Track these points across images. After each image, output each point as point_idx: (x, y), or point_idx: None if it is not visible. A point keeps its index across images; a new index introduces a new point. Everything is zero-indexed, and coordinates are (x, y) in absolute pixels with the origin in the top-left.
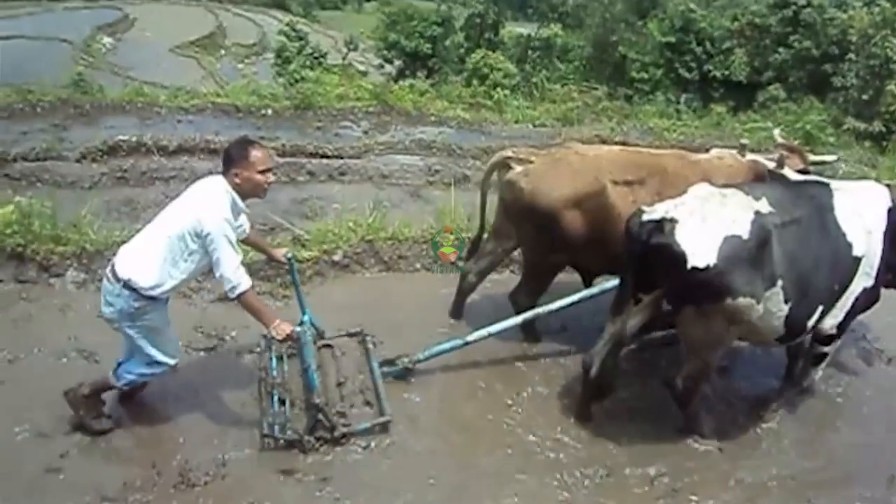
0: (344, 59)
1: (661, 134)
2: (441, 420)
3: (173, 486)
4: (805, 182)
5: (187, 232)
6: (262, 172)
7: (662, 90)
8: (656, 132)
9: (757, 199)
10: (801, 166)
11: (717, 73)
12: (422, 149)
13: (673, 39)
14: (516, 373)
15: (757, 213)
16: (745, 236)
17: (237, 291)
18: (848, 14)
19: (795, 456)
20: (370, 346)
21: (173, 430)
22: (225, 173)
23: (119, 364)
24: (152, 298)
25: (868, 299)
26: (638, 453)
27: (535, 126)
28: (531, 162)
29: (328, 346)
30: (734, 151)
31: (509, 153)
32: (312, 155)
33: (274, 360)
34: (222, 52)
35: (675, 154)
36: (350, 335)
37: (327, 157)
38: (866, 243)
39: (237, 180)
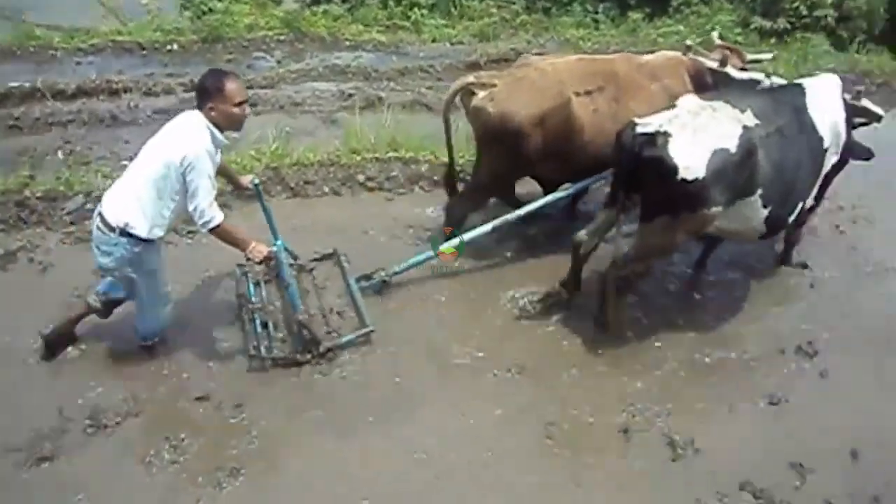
0: None
1: (576, 44)
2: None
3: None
4: (783, 87)
5: (169, 166)
6: (238, 105)
7: (580, 1)
8: (572, 43)
9: (743, 111)
10: (740, 65)
11: None
12: (336, 74)
13: None
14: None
15: (745, 127)
16: (733, 150)
17: (211, 225)
18: None
19: None
20: (345, 264)
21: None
22: (200, 107)
23: (136, 327)
24: (149, 241)
25: (836, 173)
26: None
27: (452, 44)
28: (494, 85)
29: (302, 268)
30: (678, 52)
31: (471, 79)
32: None
33: (251, 286)
34: None
35: (624, 58)
36: (323, 257)
37: None
38: (833, 132)
39: (213, 114)
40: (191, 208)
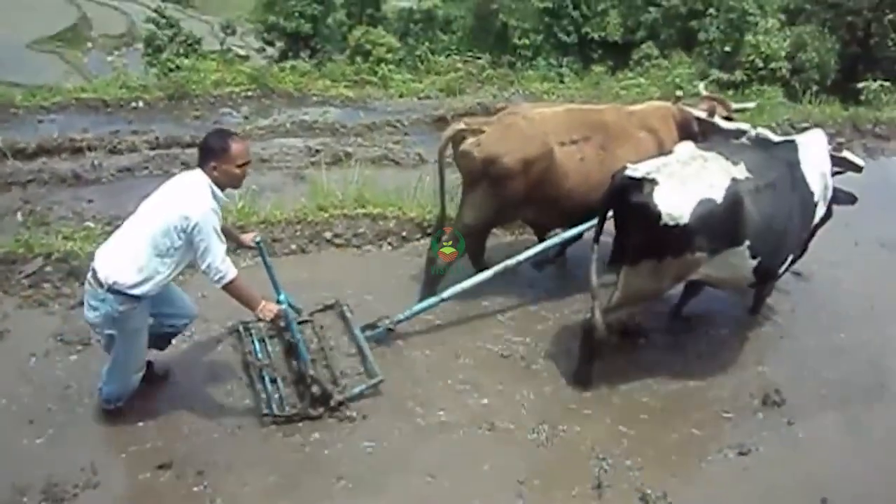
0: (222, 44)
1: (541, 97)
2: None
3: None
4: (777, 143)
5: (172, 227)
6: (240, 166)
7: (544, 55)
8: (537, 96)
9: (735, 164)
10: (725, 114)
11: (595, 35)
12: (304, 130)
13: (551, 5)
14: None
15: (734, 179)
16: (719, 200)
17: (225, 280)
18: None
19: None
20: (348, 315)
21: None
22: (203, 166)
23: (100, 389)
24: (137, 298)
25: (822, 224)
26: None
27: (419, 98)
28: (483, 132)
29: (307, 321)
30: (667, 102)
31: (461, 125)
32: (189, 145)
33: (256, 343)
34: (89, 44)
35: (614, 108)
36: (326, 308)
37: None
38: (822, 185)
39: (216, 173)
40: (203, 266)
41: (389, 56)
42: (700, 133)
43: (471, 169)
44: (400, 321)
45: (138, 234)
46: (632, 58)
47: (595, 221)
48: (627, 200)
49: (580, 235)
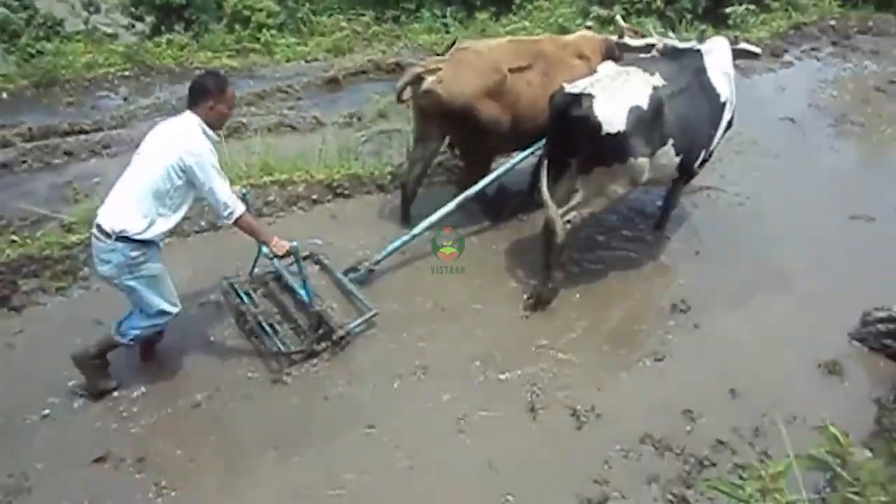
0: (86, 23)
1: (430, 49)
2: None
3: None
4: (684, 52)
5: (171, 168)
6: (230, 108)
7: (427, 6)
8: (426, 48)
9: (652, 74)
10: (640, 40)
11: None
12: None
13: None
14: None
15: (654, 87)
16: (645, 107)
17: (235, 215)
18: None
19: None
20: (326, 262)
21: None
22: (195, 106)
23: (120, 322)
24: (145, 244)
25: (730, 126)
26: None
27: (307, 62)
28: (440, 69)
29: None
30: (592, 32)
31: (418, 69)
32: (67, 133)
33: (244, 297)
34: None
35: (550, 39)
36: (305, 257)
37: (85, 132)
38: (728, 88)
39: (211, 113)
40: (212, 203)
41: (270, 21)
42: (621, 56)
43: (436, 105)
44: (378, 262)
45: (137, 182)
46: (514, 2)
47: (540, 145)
48: (570, 115)
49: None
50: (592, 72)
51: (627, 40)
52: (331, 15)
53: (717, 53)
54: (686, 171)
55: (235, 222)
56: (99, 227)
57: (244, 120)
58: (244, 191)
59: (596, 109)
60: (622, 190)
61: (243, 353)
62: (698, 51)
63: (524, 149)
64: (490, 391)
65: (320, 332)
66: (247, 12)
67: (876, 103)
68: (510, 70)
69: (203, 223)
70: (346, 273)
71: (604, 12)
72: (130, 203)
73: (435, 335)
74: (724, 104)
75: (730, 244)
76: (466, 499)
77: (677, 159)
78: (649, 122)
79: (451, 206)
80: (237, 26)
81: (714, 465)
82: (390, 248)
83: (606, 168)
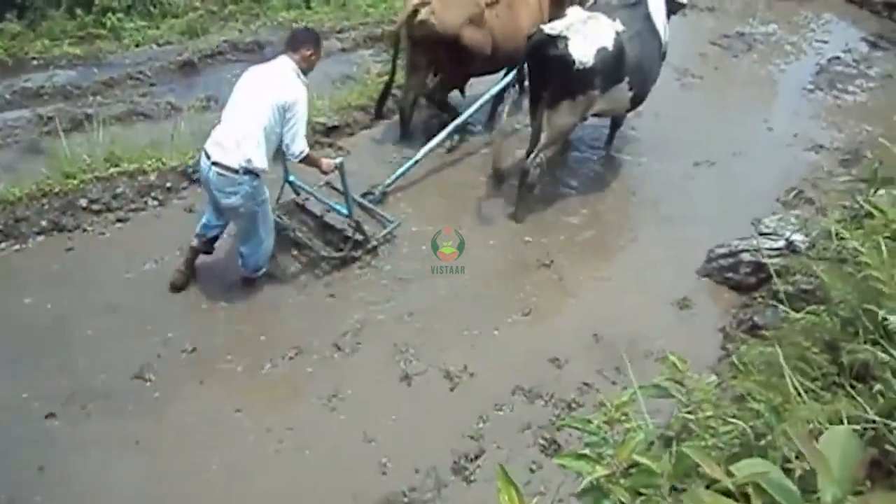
0: None
1: (289, 26)
2: None
3: None
4: (634, 3)
5: (277, 108)
6: (319, 59)
7: None
8: (285, 25)
9: (613, 20)
10: None
11: None
12: (29, 98)
13: None
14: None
15: (616, 32)
16: (610, 48)
17: (305, 153)
18: None
19: None
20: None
21: None
22: (295, 51)
23: (240, 253)
24: (260, 173)
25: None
26: None
27: (159, 45)
28: (429, 3)
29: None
30: None
31: (413, 4)
32: None
33: (286, 220)
34: None
35: None
36: (325, 184)
37: None
38: (665, 31)
39: (311, 58)
40: (289, 140)
41: (115, 4)
42: None
43: (430, 34)
44: (389, 185)
45: (248, 120)
46: None
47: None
48: (547, 53)
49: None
50: (541, 6)
51: None
52: None
53: (657, 1)
54: (636, 104)
55: (304, 159)
56: (220, 164)
57: (89, 111)
58: (339, 160)
59: (571, 48)
60: (576, 121)
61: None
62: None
63: (490, 72)
64: (362, 365)
65: (356, 238)
66: None
67: (713, 57)
68: (486, 4)
69: None
70: (364, 195)
71: None
72: (249, 139)
73: (305, 314)
74: (663, 45)
75: (582, 198)
76: (342, 469)
77: (630, 93)
78: (611, 62)
79: (444, 132)
80: (79, 11)
81: (581, 406)
82: (398, 172)
83: (571, 101)
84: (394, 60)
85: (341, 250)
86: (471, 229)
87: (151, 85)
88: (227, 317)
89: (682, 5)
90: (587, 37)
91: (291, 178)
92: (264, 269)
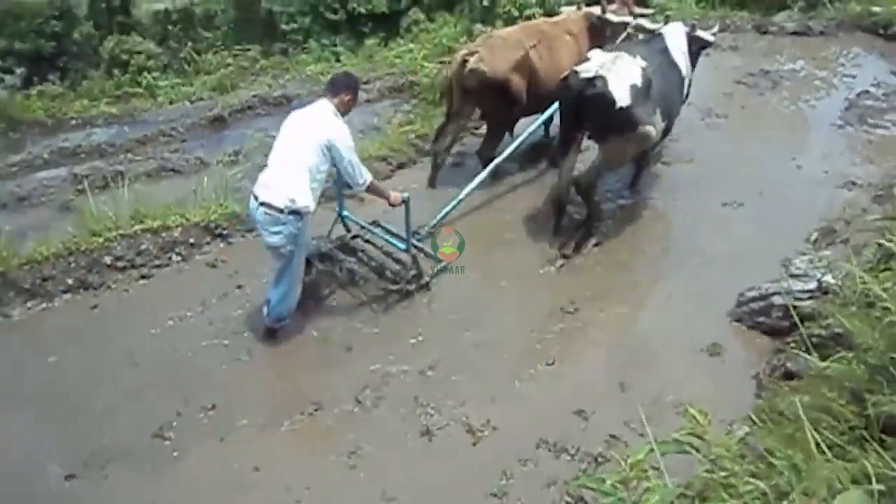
0: None
1: (317, 79)
2: None
3: None
4: (653, 39)
5: (321, 148)
6: (355, 103)
7: (315, 36)
8: (314, 78)
9: (635, 57)
10: (626, 11)
11: (362, 9)
12: (66, 157)
13: None
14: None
15: (642, 68)
16: (640, 84)
17: (368, 182)
18: None
19: None
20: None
21: None
22: (335, 94)
23: (269, 311)
24: (306, 214)
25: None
26: None
27: (191, 102)
28: (477, 52)
29: (365, 231)
30: (574, 8)
31: (464, 51)
32: None
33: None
34: None
35: (544, 21)
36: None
37: None
38: (685, 64)
39: (347, 102)
40: (349, 175)
41: (151, 63)
42: (600, 28)
43: (481, 80)
44: (434, 226)
45: (294, 162)
46: (401, 26)
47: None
48: (586, 94)
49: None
50: (577, 43)
51: (609, 16)
52: (216, 52)
53: (674, 35)
54: (666, 134)
55: (368, 188)
56: (267, 203)
57: (121, 168)
58: (406, 196)
59: (611, 87)
60: (632, 155)
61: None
62: (661, 34)
63: (536, 114)
64: (383, 420)
65: (412, 273)
66: (125, 56)
67: (738, 96)
68: (530, 47)
69: None
70: (415, 234)
71: (486, 29)
72: (294, 181)
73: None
74: (684, 77)
75: (606, 242)
76: None
77: (662, 124)
78: (644, 97)
79: (487, 170)
80: (116, 71)
81: (608, 460)
82: (443, 212)
83: (620, 137)
84: (449, 103)
85: (398, 283)
86: (492, 274)
87: (182, 141)
88: (248, 372)
89: (709, 43)
90: (620, 75)
91: (345, 213)
92: (287, 322)
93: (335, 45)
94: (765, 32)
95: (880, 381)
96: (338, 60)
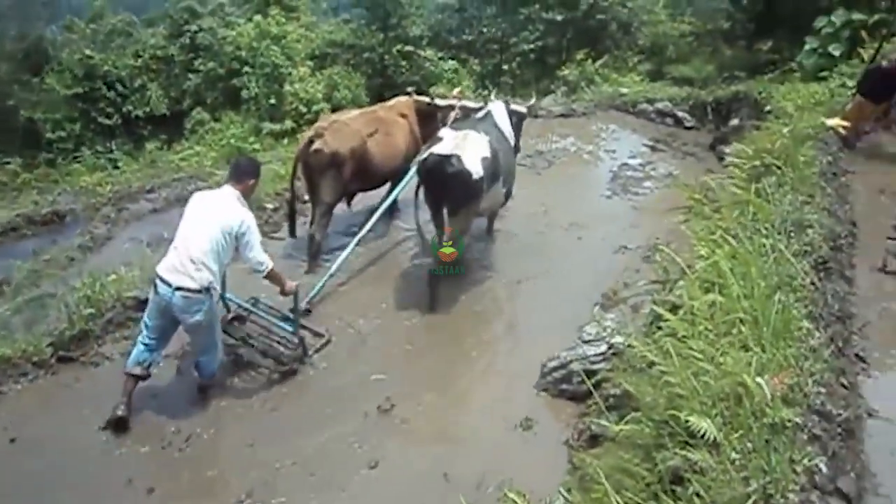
0: None
1: (94, 191)
2: None
3: None
4: (485, 117)
5: (227, 233)
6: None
7: (88, 144)
8: (90, 190)
9: (479, 132)
10: (443, 101)
11: (140, 112)
12: None
13: (80, 90)
14: None
15: (488, 141)
16: (489, 156)
17: (269, 268)
18: (236, 31)
19: None
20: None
21: None
22: (238, 181)
23: (198, 372)
24: (213, 291)
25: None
26: None
27: None
28: (322, 135)
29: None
30: (407, 97)
31: (311, 132)
32: None
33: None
34: None
35: (380, 106)
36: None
37: None
38: (509, 131)
39: (249, 187)
40: (250, 256)
41: None
42: (428, 113)
43: (321, 160)
44: (311, 300)
45: (201, 244)
46: (185, 127)
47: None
48: (445, 171)
49: (395, 201)
50: (411, 126)
51: (438, 101)
52: None
53: (499, 111)
54: (507, 199)
55: (267, 274)
56: (184, 287)
57: None
58: (297, 283)
59: (466, 164)
60: (472, 221)
61: None
62: (489, 112)
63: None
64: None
65: (299, 352)
66: None
67: (519, 177)
68: (367, 134)
69: None
70: (292, 311)
71: (275, 127)
72: (204, 261)
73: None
74: (514, 145)
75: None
76: None
77: (503, 189)
78: (492, 167)
79: (352, 244)
80: None
81: None
82: (317, 287)
83: (467, 208)
84: (291, 183)
85: (285, 364)
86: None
87: None
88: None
89: (524, 115)
90: (469, 151)
91: (228, 294)
92: (213, 379)
93: (111, 152)
94: (536, 116)
95: (664, 436)
96: (116, 167)
